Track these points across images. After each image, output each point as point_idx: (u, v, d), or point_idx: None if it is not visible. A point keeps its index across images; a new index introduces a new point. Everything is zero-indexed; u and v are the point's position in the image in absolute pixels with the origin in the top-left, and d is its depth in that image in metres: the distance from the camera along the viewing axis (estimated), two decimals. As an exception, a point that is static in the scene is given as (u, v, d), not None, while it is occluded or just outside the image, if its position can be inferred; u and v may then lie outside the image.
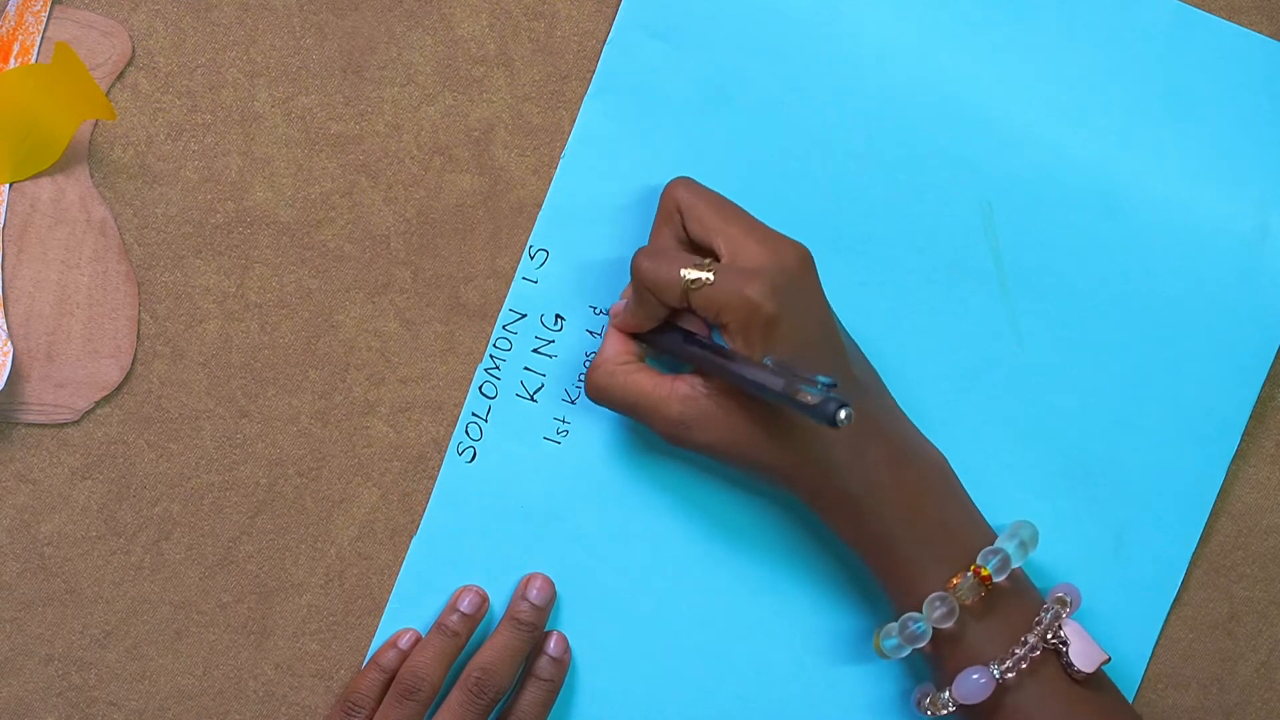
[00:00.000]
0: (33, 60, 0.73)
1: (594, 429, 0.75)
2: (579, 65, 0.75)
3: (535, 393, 0.75)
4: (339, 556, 0.75)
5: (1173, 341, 0.75)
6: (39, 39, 0.73)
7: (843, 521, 0.71)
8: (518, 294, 0.75)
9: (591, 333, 0.75)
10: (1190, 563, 0.77)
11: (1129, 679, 0.76)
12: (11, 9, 0.73)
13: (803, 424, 0.69)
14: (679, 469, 0.75)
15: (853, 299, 0.74)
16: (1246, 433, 0.76)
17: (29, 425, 0.74)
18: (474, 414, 0.75)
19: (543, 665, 0.74)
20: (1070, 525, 0.76)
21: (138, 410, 0.74)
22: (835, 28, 0.74)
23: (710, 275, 0.68)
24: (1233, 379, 0.76)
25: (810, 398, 0.63)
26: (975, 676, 0.70)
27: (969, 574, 0.70)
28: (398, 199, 0.75)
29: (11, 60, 0.73)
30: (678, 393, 0.70)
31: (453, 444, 0.75)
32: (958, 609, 0.70)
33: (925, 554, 0.71)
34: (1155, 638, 0.77)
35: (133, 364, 0.74)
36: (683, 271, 0.69)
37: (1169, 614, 0.77)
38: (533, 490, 0.75)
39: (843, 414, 0.62)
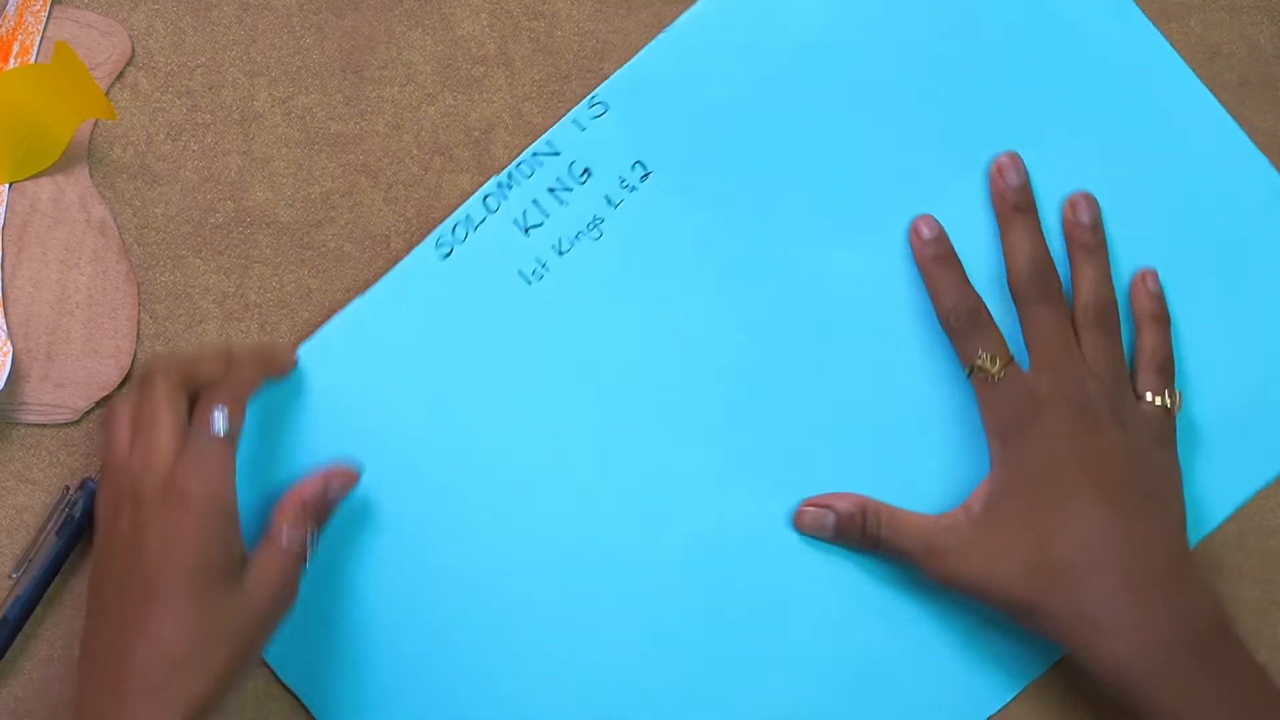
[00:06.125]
0: (32, 60, 0.73)
1: (570, 285, 0.73)
2: (579, 65, 0.75)
3: (531, 228, 0.74)
4: (339, 556, 0.75)
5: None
6: (39, 39, 0.73)
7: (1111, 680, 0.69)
8: (560, 132, 0.74)
9: (610, 201, 0.74)
10: (1190, 563, 0.77)
11: (1129, 679, 0.76)
12: (11, 9, 0.73)
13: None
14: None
15: (856, 301, 0.74)
16: (1246, 433, 0.77)
17: (29, 425, 0.74)
18: (468, 216, 0.74)
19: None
20: (1070, 525, 0.76)
21: (137, 410, 0.74)
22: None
23: None
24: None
25: None
26: None
27: None
28: (398, 199, 0.75)
29: (11, 60, 0.73)
30: (940, 522, 0.72)
31: (434, 234, 0.74)
32: None
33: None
34: (1155, 638, 0.77)
35: (132, 364, 0.74)
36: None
37: (1169, 614, 0.77)
38: (493, 315, 0.74)
39: None
